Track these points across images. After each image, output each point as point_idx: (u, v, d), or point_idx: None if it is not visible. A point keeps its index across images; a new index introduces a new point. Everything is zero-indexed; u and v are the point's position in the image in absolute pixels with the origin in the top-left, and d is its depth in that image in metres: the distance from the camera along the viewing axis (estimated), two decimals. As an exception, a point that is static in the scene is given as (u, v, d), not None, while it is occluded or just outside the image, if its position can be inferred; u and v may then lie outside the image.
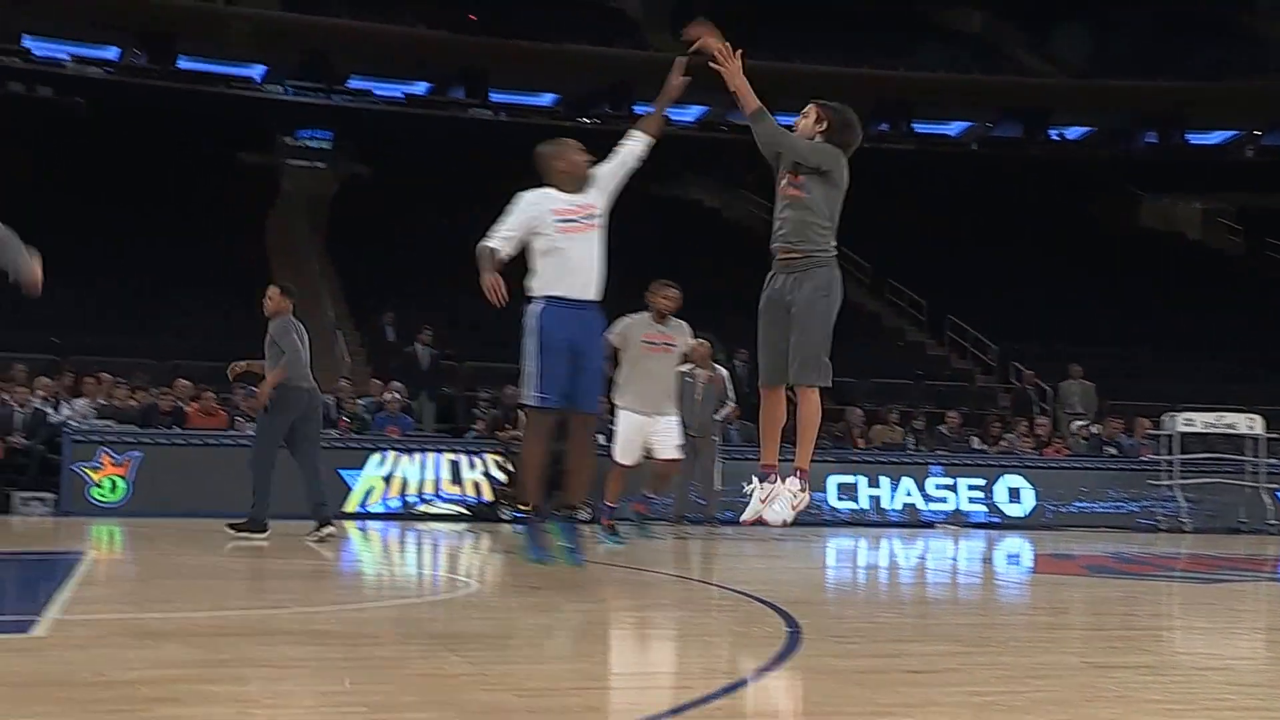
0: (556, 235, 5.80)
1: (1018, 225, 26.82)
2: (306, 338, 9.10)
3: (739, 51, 5.66)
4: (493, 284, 5.64)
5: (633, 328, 8.87)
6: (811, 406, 5.49)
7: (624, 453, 8.97)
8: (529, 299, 5.87)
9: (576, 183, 5.97)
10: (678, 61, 6.15)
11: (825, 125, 5.62)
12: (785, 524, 5.60)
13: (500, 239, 5.76)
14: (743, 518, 5.71)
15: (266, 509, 8.86)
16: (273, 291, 9.13)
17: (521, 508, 5.86)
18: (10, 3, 27.08)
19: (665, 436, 9.01)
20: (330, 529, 9.09)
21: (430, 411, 15.96)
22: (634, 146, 6.13)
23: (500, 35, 30.05)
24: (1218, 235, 29.48)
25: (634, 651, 4.24)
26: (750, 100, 5.59)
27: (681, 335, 9.13)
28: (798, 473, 5.50)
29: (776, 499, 5.50)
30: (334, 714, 3.10)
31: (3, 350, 16.02)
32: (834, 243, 5.54)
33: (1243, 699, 3.61)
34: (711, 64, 5.66)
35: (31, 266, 5.75)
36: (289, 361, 8.80)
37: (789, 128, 5.73)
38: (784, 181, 5.58)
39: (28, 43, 29.02)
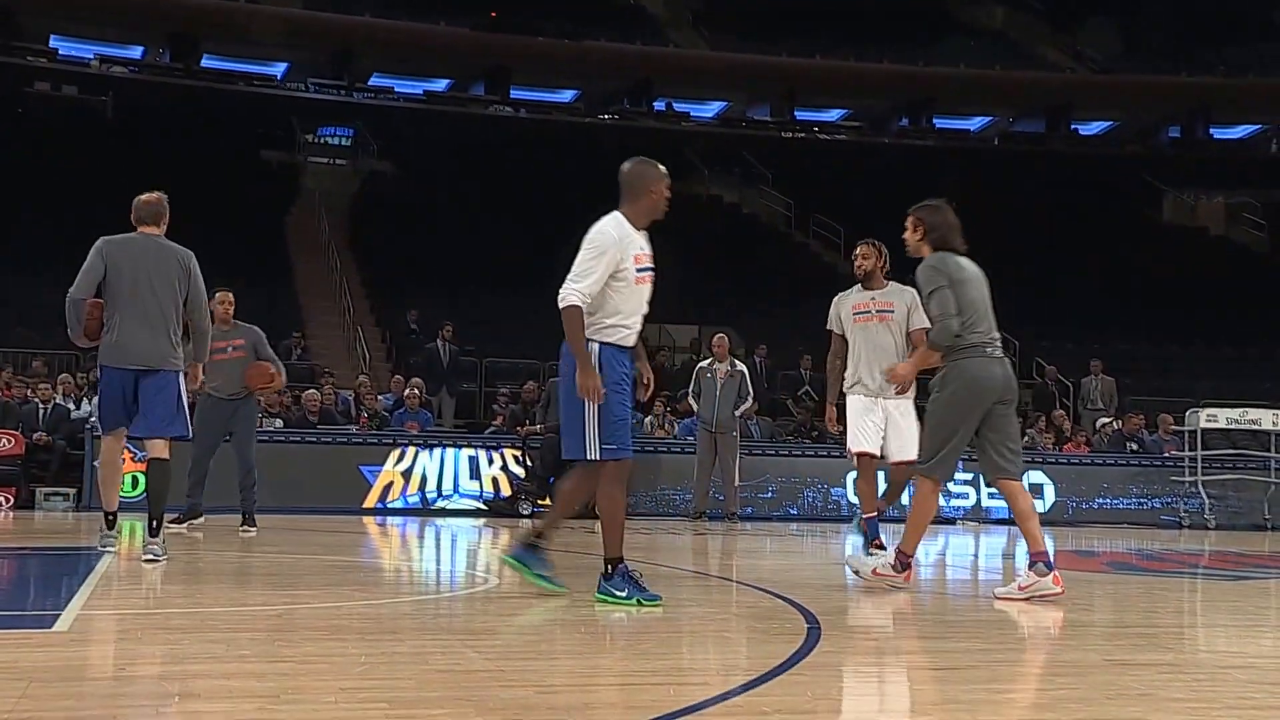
0: (636, 284, 5.23)
1: (1039, 221, 26.67)
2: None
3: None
4: (594, 387, 5.05)
5: (842, 302, 7.61)
6: (919, 493, 5.96)
7: (856, 439, 7.49)
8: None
9: (651, 219, 5.36)
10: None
11: (920, 233, 6.05)
12: (857, 575, 6.14)
13: (587, 293, 5.10)
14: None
15: None
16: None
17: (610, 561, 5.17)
18: (38, 3, 27.29)
19: (896, 430, 7.47)
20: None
21: (450, 407, 16.02)
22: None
23: (521, 32, 30.07)
24: (1242, 230, 29.25)
25: (654, 648, 4.22)
26: (927, 357, 6.18)
27: (901, 298, 7.45)
28: (897, 552, 6.02)
29: (867, 559, 6.31)
30: (355, 710, 3.10)
31: (24, 346, 16.15)
32: (967, 335, 5.74)
33: (1267, 698, 3.57)
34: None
35: None
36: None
37: (903, 243, 6.19)
38: None
39: (55, 42, 29.22)
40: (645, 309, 5.33)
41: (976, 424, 5.73)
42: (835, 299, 7.64)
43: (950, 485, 14.35)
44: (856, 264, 7.54)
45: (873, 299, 7.46)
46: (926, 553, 9.96)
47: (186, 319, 6.95)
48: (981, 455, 5.85)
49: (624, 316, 5.21)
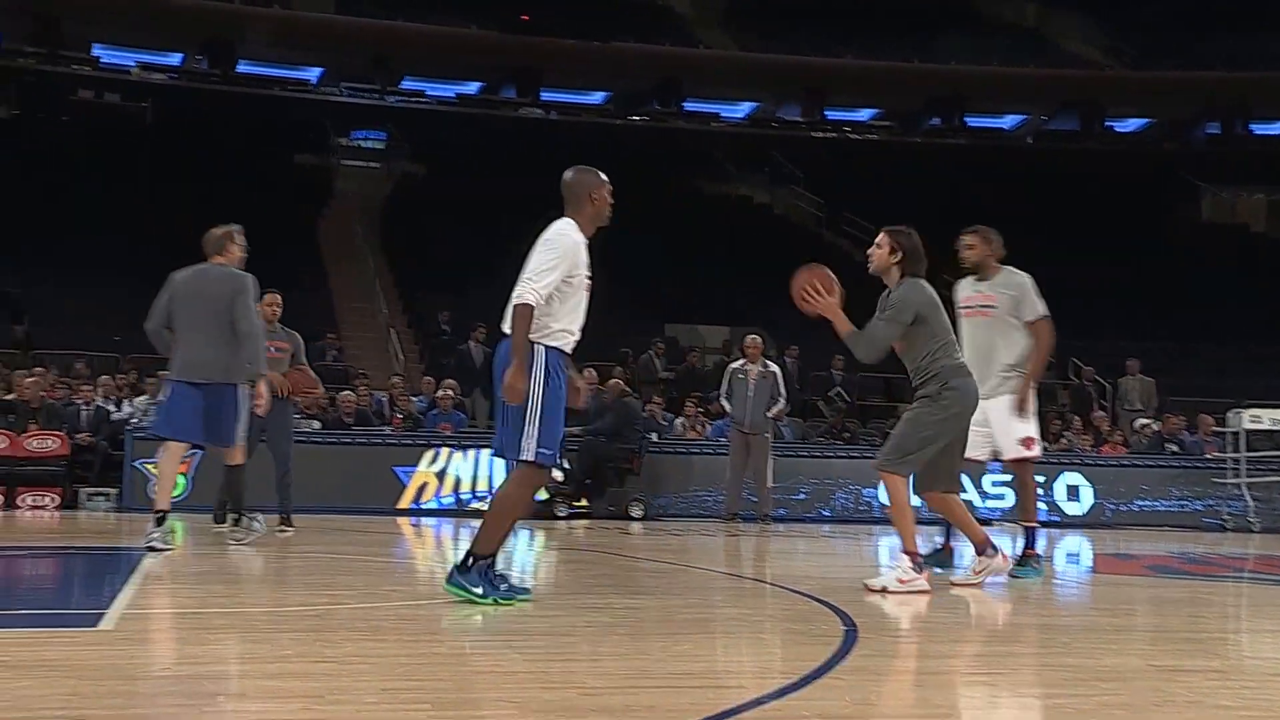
0: (583, 290, 5.25)
1: (1074, 219, 26.46)
2: None
3: (836, 289, 6.13)
4: (515, 390, 5.02)
5: (956, 291, 7.25)
6: (894, 493, 6.04)
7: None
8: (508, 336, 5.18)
9: (596, 225, 5.39)
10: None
11: (899, 256, 6.12)
12: (885, 590, 5.95)
13: (540, 292, 5.10)
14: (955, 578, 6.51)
15: None
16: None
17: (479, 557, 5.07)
18: (81, 14, 27.70)
19: (1000, 429, 7.02)
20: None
21: (483, 408, 16.06)
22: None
23: (551, 35, 30.17)
24: (1284, 227, 28.92)
25: (692, 650, 4.22)
26: (844, 325, 6.14)
27: (1006, 294, 7.03)
28: (907, 555, 6.01)
29: (886, 571, 6.23)
30: (398, 710, 3.12)
31: (66, 348, 16.35)
32: (947, 359, 6.06)
33: (1316, 703, 3.53)
34: (804, 303, 6.10)
35: None
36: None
37: (867, 258, 6.26)
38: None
39: (97, 51, 29.61)
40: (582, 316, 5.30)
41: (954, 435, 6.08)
42: (957, 285, 7.29)
43: (987, 486, 14.27)
44: (961, 254, 7.15)
45: (978, 291, 7.09)
46: (961, 555, 9.92)
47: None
48: (939, 467, 6.11)
49: (570, 322, 5.22)
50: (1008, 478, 14.08)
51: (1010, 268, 7.09)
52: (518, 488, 5.22)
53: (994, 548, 6.32)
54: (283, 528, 9.28)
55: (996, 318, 7.00)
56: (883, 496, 6.37)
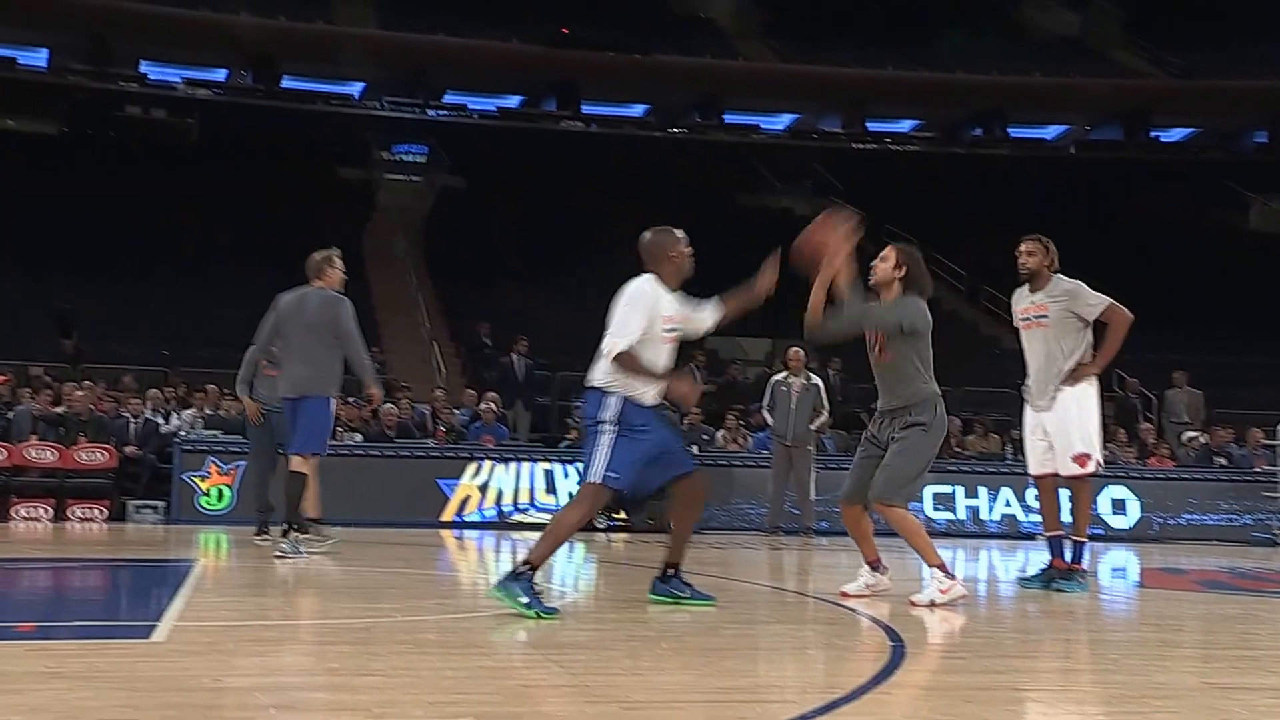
0: (663, 343, 5.57)
1: (1118, 230, 26.21)
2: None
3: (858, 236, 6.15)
4: (685, 394, 5.66)
5: (1014, 302, 7.23)
6: (903, 522, 6.14)
7: (1030, 458, 7.18)
8: (598, 389, 5.51)
9: (680, 279, 5.72)
10: (769, 268, 6.00)
11: (904, 271, 6.09)
12: (932, 604, 6.01)
13: (632, 339, 5.42)
14: (844, 588, 6.54)
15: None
16: None
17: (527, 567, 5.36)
18: (130, 31, 28.16)
19: (1059, 442, 6.96)
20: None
21: (525, 421, 16.11)
22: (708, 318, 5.99)
23: (592, 48, 30.28)
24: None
25: (736, 665, 4.21)
26: (842, 290, 6.18)
27: (1057, 302, 6.93)
28: (936, 568, 6.15)
29: (926, 585, 6.25)
30: (444, 724, 3.13)
31: (115, 362, 16.57)
32: (931, 384, 6.04)
33: (1375, 723, 3.46)
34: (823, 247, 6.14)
35: None
36: None
37: (870, 270, 6.19)
38: (875, 348, 6.15)
39: (144, 67, 30.08)
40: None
41: None
42: (1013, 296, 7.27)
43: (1030, 499, 14.14)
44: (1020, 261, 7.05)
45: (1032, 303, 7.02)
46: (1006, 568, 9.82)
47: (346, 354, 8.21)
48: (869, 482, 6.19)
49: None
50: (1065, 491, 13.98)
51: (1060, 275, 7.04)
52: (579, 505, 5.57)
53: (884, 567, 6.45)
54: (266, 536, 9.32)
55: (1050, 327, 6.95)
56: (893, 526, 6.31)
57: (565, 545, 6.11)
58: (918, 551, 6.17)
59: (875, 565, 6.42)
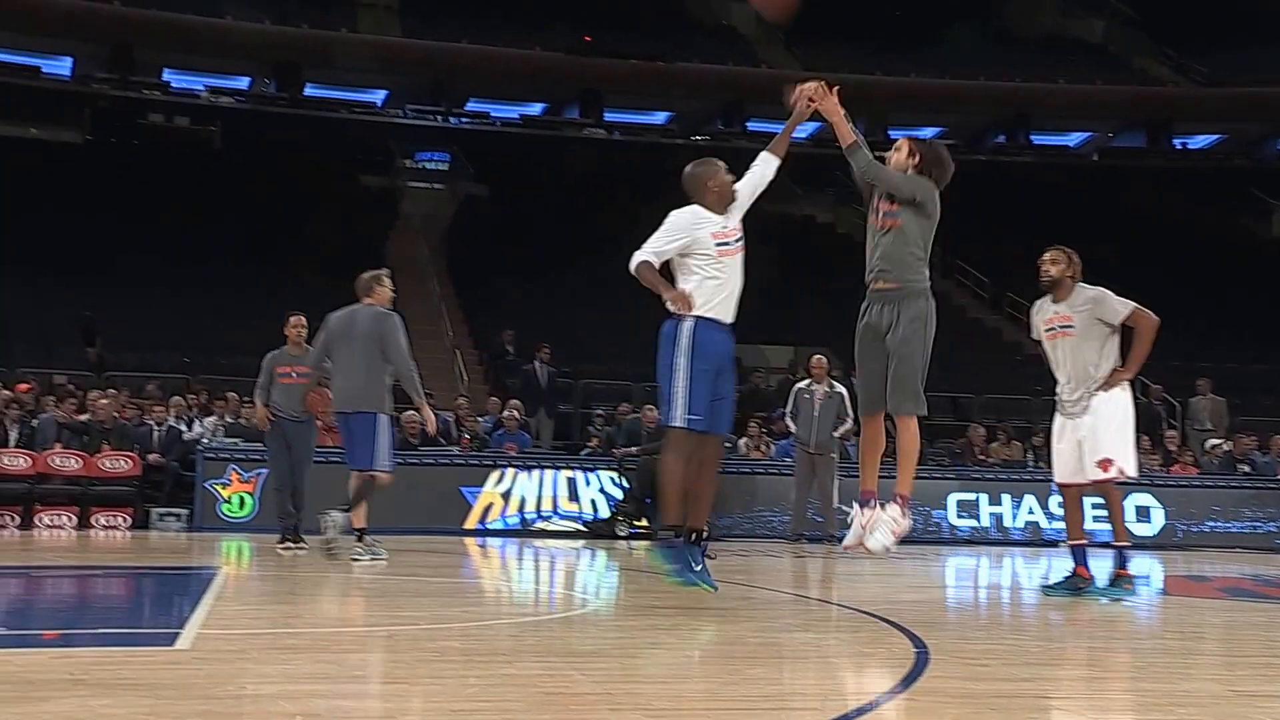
0: (717, 258, 5.68)
1: (1141, 237, 26.06)
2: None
3: (835, 88, 5.91)
4: (680, 295, 5.56)
5: (1036, 313, 7.22)
6: (910, 435, 5.87)
7: (1056, 465, 7.21)
8: (672, 316, 5.65)
9: (725, 203, 5.84)
10: (788, 90, 5.97)
11: (917, 159, 5.97)
12: (887, 550, 5.86)
13: (653, 253, 5.62)
14: (844, 543, 6.11)
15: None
16: None
17: (663, 530, 5.49)
18: (153, 40, 28.36)
19: (1088, 447, 6.91)
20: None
21: (548, 429, 16.12)
22: (765, 168, 6.01)
23: (614, 56, 30.31)
24: (1357, 243, 28.25)
25: (761, 673, 4.19)
26: (846, 134, 5.90)
27: (1082, 311, 6.90)
28: (898, 499, 5.81)
29: (878, 526, 5.79)
30: (467, 731, 3.14)
31: (138, 370, 16.67)
32: (928, 273, 5.86)
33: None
34: (810, 103, 5.93)
35: None
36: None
37: (881, 158, 6.01)
38: (880, 213, 5.94)
39: (167, 75, 30.29)
40: (741, 280, 5.72)
41: None
42: (1033, 308, 7.24)
43: (1053, 507, 14.06)
44: (1042, 269, 7.01)
45: (1056, 313, 6.99)
46: (1029, 575, 9.77)
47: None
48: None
49: (722, 293, 5.63)
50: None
51: (1083, 284, 7.01)
52: (669, 453, 5.61)
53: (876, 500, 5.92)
54: (288, 544, 9.37)
55: (1077, 335, 6.91)
56: (902, 440, 5.98)
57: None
58: (900, 470, 5.92)
59: (869, 500, 5.94)
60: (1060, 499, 7.50)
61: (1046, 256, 7.03)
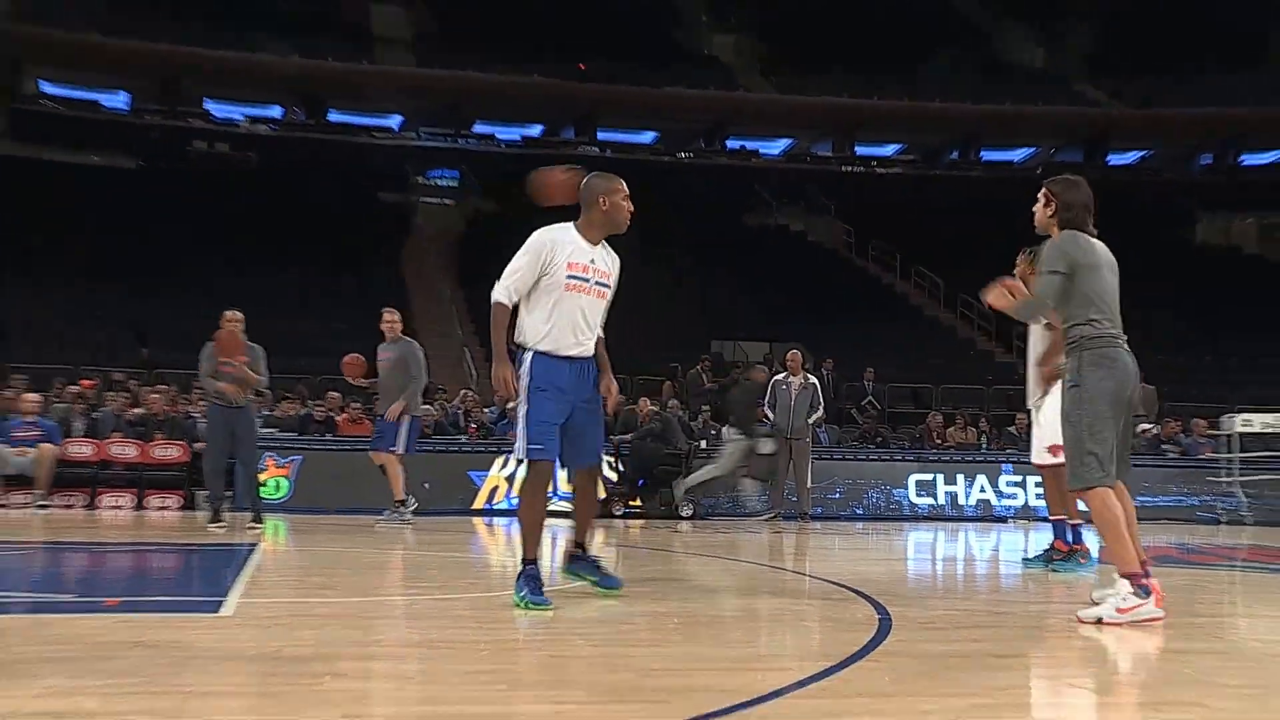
0: (565, 290, 4.77)
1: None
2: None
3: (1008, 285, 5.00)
4: (499, 377, 4.74)
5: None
6: (1092, 511, 4.67)
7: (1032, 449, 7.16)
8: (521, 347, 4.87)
9: (608, 229, 4.89)
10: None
11: (1053, 209, 5.15)
12: (1098, 621, 4.51)
13: (508, 290, 4.80)
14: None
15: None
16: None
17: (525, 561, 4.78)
18: (197, 74, 28.39)
19: (1036, 434, 7.01)
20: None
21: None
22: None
23: (607, 82, 30.38)
24: (1274, 248, 28.38)
25: (741, 637, 4.22)
26: (1023, 313, 5.18)
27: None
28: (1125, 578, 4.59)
29: (1106, 599, 4.64)
30: (480, 689, 3.16)
31: (185, 368, 16.64)
32: (1090, 325, 4.82)
33: (1313, 685, 3.46)
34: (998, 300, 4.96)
35: None
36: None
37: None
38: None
39: (208, 105, 30.24)
40: (586, 320, 4.79)
41: (1121, 420, 4.70)
42: None
43: (1002, 485, 14.12)
44: (1017, 269, 6.76)
45: None
46: (981, 548, 9.82)
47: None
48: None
49: (555, 324, 4.73)
50: (1019, 478, 13.97)
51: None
52: (523, 487, 4.95)
53: (1147, 576, 4.64)
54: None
55: (1031, 332, 6.96)
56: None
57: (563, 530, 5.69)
58: (1110, 543, 4.66)
59: (1134, 577, 4.58)
60: (1039, 478, 7.50)
61: (1019, 259, 6.93)
